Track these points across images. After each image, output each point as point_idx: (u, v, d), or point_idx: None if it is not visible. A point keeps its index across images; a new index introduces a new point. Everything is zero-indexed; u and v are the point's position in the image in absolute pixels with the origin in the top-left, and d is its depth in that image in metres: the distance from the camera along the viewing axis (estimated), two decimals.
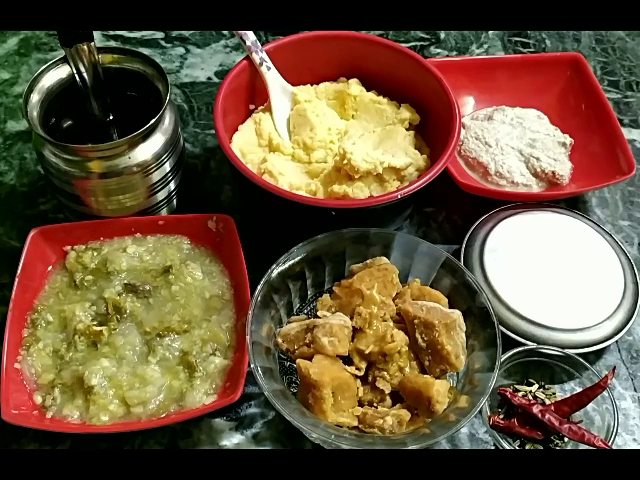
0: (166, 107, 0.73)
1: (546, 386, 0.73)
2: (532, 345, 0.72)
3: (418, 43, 1.10)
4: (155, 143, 0.74)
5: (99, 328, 0.70)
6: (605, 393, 0.68)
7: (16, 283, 0.71)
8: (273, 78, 0.85)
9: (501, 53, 1.10)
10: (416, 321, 0.65)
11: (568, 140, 0.90)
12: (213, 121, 0.76)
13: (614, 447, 0.66)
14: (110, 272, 0.74)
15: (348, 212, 0.74)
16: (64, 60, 0.75)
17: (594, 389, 0.68)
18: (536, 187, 0.87)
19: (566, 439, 0.68)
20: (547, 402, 0.70)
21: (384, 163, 0.76)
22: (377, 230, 0.72)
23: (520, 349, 0.71)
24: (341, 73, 0.90)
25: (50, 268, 0.76)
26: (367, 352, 0.65)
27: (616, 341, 0.75)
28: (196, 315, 0.72)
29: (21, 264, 0.72)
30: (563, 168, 0.87)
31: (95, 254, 0.76)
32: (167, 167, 0.77)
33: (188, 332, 0.71)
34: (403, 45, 0.89)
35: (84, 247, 0.77)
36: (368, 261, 0.72)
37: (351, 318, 0.67)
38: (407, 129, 0.84)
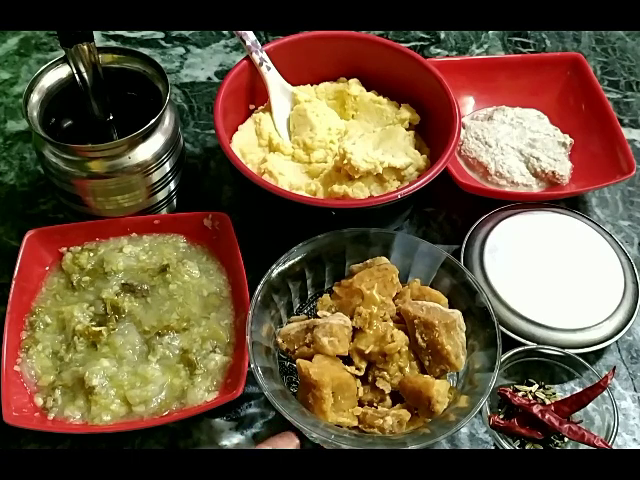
0: (166, 107, 0.73)
1: (546, 386, 0.72)
2: (532, 345, 0.72)
3: (418, 43, 1.10)
4: (155, 143, 0.74)
5: (98, 328, 0.70)
6: (605, 393, 0.68)
7: (13, 285, 0.71)
8: (273, 78, 0.85)
9: (501, 53, 1.10)
10: (416, 321, 0.65)
11: (568, 140, 0.90)
12: (213, 121, 0.76)
13: (614, 447, 0.66)
14: (107, 272, 0.74)
15: (348, 212, 0.74)
16: (64, 60, 0.75)
17: (594, 389, 0.68)
18: (536, 187, 0.87)
19: (566, 439, 0.68)
20: (547, 402, 0.70)
21: (384, 163, 0.76)
22: (377, 230, 0.72)
23: (520, 349, 0.71)
24: (341, 73, 0.90)
25: (47, 269, 0.76)
26: (367, 352, 0.65)
27: (616, 341, 0.75)
28: (195, 313, 0.72)
29: (17, 266, 0.72)
30: (563, 168, 0.87)
31: (91, 255, 0.76)
32: (167, 167, 0.77)
33: (187, 330, 0.71)
34: (403, 45, 0.89)
35: (80, 248, 0.77)
36: (368, 261, 0.72)
37: (351, 318, 0.67)
38: (407, 129, 0.84)
